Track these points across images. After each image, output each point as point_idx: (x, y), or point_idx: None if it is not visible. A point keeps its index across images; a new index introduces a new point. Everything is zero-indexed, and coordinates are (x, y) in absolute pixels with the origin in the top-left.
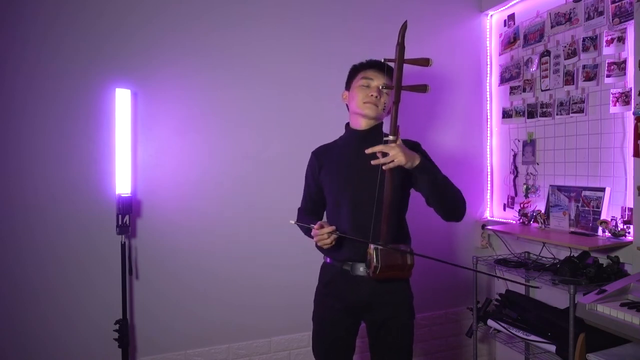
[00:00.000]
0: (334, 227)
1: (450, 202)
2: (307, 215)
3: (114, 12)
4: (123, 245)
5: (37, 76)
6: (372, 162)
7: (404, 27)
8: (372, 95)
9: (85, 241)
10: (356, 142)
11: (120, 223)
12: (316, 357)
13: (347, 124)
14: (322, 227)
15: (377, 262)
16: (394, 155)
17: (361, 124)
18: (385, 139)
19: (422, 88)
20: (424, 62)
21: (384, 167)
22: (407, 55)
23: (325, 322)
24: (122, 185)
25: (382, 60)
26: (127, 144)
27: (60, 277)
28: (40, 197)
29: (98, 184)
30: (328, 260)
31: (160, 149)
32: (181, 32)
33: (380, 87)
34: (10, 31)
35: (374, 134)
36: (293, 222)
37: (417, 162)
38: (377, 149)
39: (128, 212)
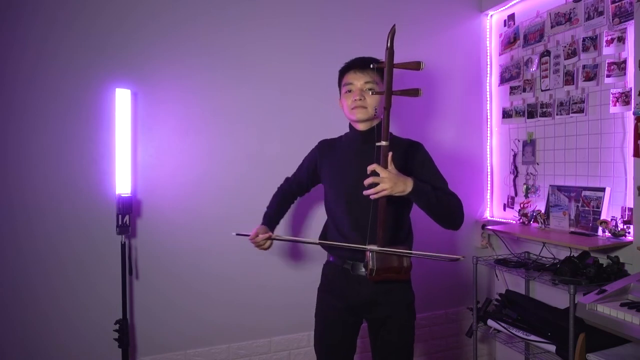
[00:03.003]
0: (269, 234)
1: (446, 217)
2: (283, 196)
3: (113, 12)
4: (123, 245)
5: (37, 76)
6: (365, 183)
7: (392, 32)
8: (355, 99)
9: (85, 241)
10: (357, 142)
11: (120, 223)
12: (318, 355)
13: (350, 123)
14: (257, 235)
15: (372, 264)
16: (382, 187)
17: (359, 126)
18: (377, 144)
19: (413, 92)
20: (415, 65)
21: (370, 197)
22: (406, 56)
23: (327, 321)
24: (122, 185)
25: (366, 58)
26: (127, 144)
27: (60, 277)
28: (40, 197)
29: (98, 184)
30: (331, 258)
31: (160, 149)
32: (181, 32)
33: (362, 88)
34: (10, 31)
35: (374, 135)
36: (234, 233)
37: (408, 189)
38: (371, 168)
39: (128, 212)
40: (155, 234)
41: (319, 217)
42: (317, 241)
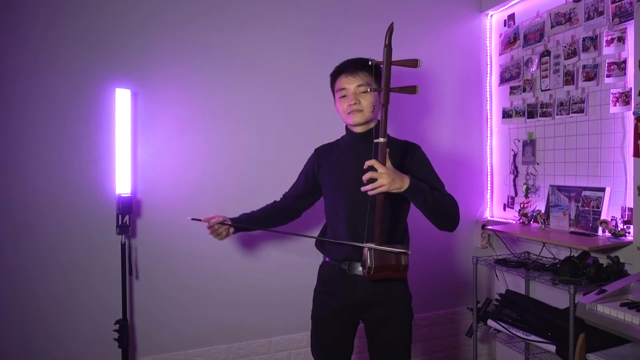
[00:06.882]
0: (223, 218)
1: (441, 219)
2: (274, 208)
3: (113, 12)
4: (123, 245)
5: (37, 76)
6: (364, 179)
7: (390, 29)
8: (350, 104)
9: (85, 241)
10: (355, 144)
11: (120, 223)
12: (315, 356)
13: (347, 126)
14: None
15: (371, 262)
16: (380, 183)
17: (356, 129)
18: (375, 141)
19: (411, 89)
20: (412, 63)
21: (369, 193)
22: (406, 56)
23: (324, 322)
24: (122, 185)
25: (355, 59)
26: (127, 144)
27: (60, 277)
28: (40, 197)
29: (98, 184)
30: (327, 259)
31: (160, 149)
32: (181, 32)
33: (356, 92)
34: (10, 31)
35: (372, 137)
36: (189, 218)
37: (405, 186)
38: (369, 163)
39: (128, 212)
40: (155, 234)
41: (316, 219)
42: (291, 232)
